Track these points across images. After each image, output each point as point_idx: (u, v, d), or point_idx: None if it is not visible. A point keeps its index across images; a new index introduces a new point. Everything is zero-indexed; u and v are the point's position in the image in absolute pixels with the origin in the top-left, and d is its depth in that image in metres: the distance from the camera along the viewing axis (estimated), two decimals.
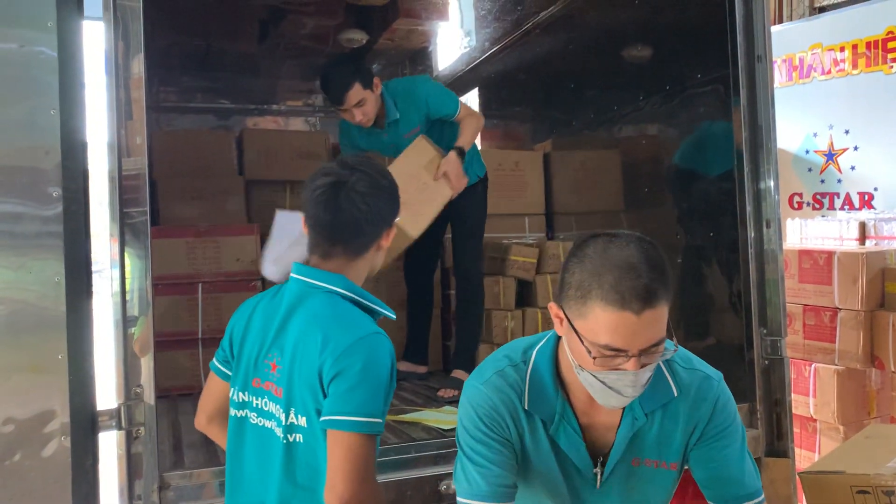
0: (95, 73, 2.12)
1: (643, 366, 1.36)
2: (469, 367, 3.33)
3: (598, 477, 1.54)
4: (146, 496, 2.04)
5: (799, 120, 5.37)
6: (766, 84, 2.83)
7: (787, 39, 5.28)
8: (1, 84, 1.95)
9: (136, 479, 2.03)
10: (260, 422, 1.66)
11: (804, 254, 4.05)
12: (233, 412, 1.73)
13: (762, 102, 2.82)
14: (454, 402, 3.06)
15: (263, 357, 1.66)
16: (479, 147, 5.48)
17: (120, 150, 2.07)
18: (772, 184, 2.81)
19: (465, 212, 3.47)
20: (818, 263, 3.95)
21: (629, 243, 1.38)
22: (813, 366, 3.91)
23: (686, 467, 1.58)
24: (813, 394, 3.89)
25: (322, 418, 1.51)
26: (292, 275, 1.70)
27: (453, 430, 2.55)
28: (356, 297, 1.65)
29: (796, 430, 3.19)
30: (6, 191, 1.95)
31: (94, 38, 2.12)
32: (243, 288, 3.68)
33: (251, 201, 4.14)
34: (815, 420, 3.91)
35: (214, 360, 1.84)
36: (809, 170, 5.44)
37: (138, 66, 2.12)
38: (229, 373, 1.78)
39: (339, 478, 1.48)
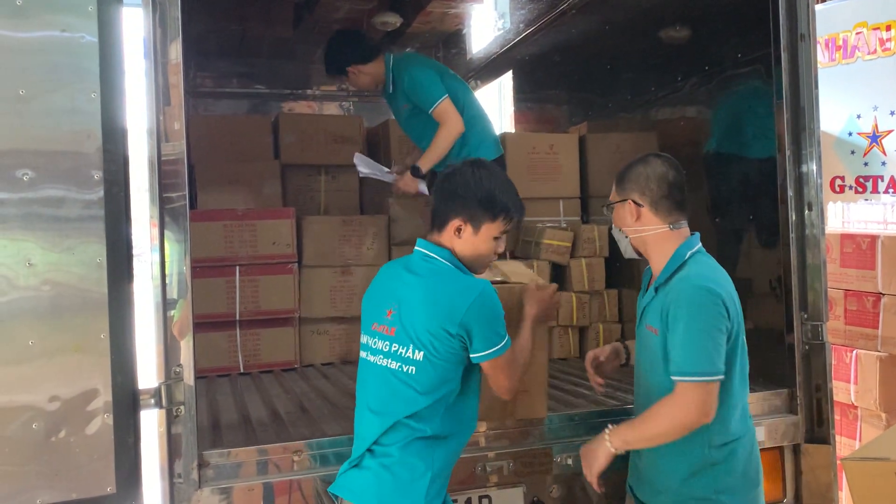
0: (132, 59, 2.14)
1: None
2: None
3: (638, 325, 2.20)
4: (186, 474, 2.08)
5: (842, 101, 5.23)
6: (809, 64, 2.76)
7: (830, 18, 5.15)
8: (44, 69, 1.98)
9: (176, 457, 2.07)
10: (375, 359, 2.05)
11: (846, 238, 3.97)
12: (361, 354, 2.14)
13: (805, 83, 2.76)
14: None
15: (384, 306, 2.05)
16: (514, 130, 5.47)
17: (159, 136, 2.10)
18: (814, 167, 2.75)
19: None
20: (861, 248, 3.86)
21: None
22: (854, 352, 3.83)
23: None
24: (854, 380, 3.81)
25: (478, 354, 1.96)
26: (416, 248, 2.10)
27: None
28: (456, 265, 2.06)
29: (836, 417, 3.13)
30: (50, 175, 1.98)
31: (133, 24, 2.15)
32: (279, 271, 3.72)
33: (287, 185, 4.17)
34: (856, 407, 3.84)
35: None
36: (852, 152, 5.31)
37: (176, 51, 2.14)
38: None
39: (507, 384, 2.03)
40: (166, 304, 2.10)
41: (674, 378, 1.96)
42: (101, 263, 1.96)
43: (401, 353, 1.98)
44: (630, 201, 2.13)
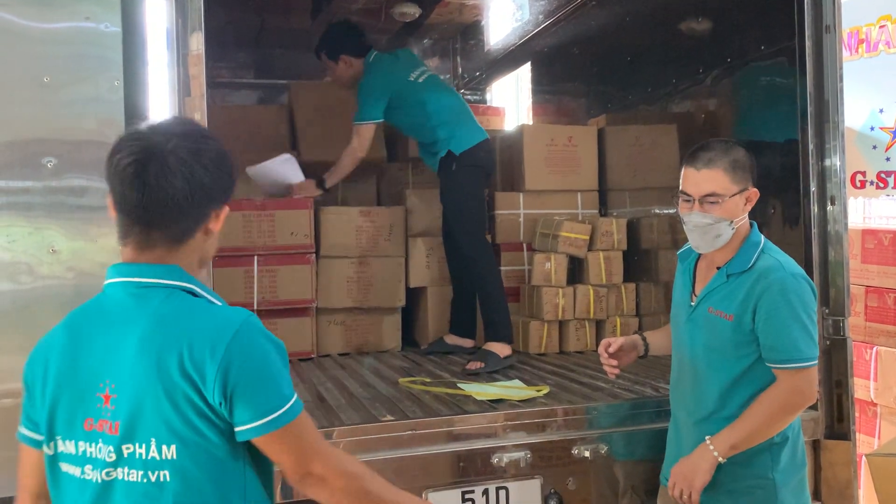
0: (155, 49, 2.15)
1: (701, 211, 2.05)
2: (494, 338, 3.37)
3: (690, 310, 2.17)
4: None
5: (864, 95, 5.17)
6: (833, 56, 2.73)
7: (853, 11, 5.07)
8: (68, 58, 2.00)
9: None
10: (95, 475, 1.33)
11: (868, 233, 3.93)
12: (63, 469, 1.37)
13: (829, 76, 2.73)
14: (479, 374, 3.08)
15: (91, 391, 1.33)
16: (530, 121, 5.45)
17: None
18: (837, 161, 2.73)
19: (443, 187, 3.62)
20: (883, 243, 3.82)
21: (723, 142, 2.15)
22: (875, 349, 3.80)
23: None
24: (874, 377, 3.78)
25: (243, 428, 1.31)
26: (108, 280, 1.39)
27: (500, 401, 2.57)
28: (199, 291, 1.39)
29: (856, 413, 3.11)
30: (73, 164, 2.00)
31: (155, 15, 2.16)
32: (297, 261, 3.73)
33: (304, 176, 4.17)
34: (875, 404, 3.80)
35: (22, 429, 1.43)
36: (874, 147, 5.25)
37: (197, 42, 2.15)
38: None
39: (308, 463, 1.37)
40: None
41: (778, 366, 2.00)
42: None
43: (141, 455, 1.31)
44: (753, 189, 2.09)
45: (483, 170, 3.62)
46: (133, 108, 2.05)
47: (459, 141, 3.54)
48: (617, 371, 2.32)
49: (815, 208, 2.74)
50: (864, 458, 3.02)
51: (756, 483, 2.05)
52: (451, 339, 3.74)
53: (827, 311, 2.68)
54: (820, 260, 2.73)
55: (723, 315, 2.07)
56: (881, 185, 5.16)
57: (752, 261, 2.06)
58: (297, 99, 4.58)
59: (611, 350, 2.29)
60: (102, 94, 2.02)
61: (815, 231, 2.74)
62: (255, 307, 3.67)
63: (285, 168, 3.81)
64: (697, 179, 2.06)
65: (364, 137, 3.59)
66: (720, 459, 2.01)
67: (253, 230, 3.69)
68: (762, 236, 2.13)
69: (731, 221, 2.06)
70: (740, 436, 2.00)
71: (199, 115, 2.14)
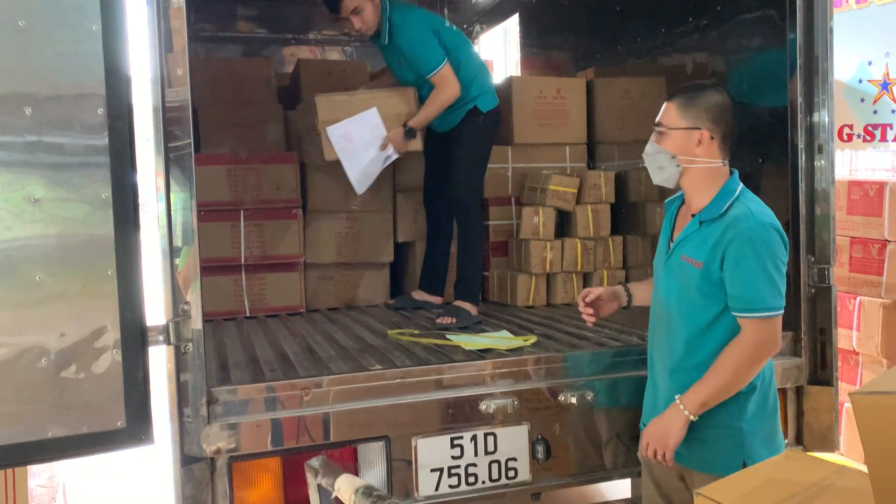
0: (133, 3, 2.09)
1: (652, 140, 2.14)
2: (464, 296, 3.39)
3: (666, 257, 2.18)
4: (195, 409, 2.10)
5: (853, 47, 5.14)
6: (824, 8, 2.70)
7: None
8: (47, 14, 1.93)
9: (184, 393, 2.09)
10: None
11: (854, 185, 3.94)
12: None
13: (820, 28, 2.70)
14: (450, 329, 3.09)
15: None
16: (519, 74, 5.39)
17: (162, 83, 2.06)
18: (826, 114, 2.72)
19: (459, 139, 3.50)
20: (868, 195, 3.84)
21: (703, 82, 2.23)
22: (858, 299, 3.84)
23: None
24: (857, 327, 3.83)
25: None
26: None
27: (488, 351, 2.59)
28: None
29: (838, 363, 3.15)
30: (52, 113, 1.95)
31: None
32: (284, 216, 3.71)
33: (290, 130, 4.13)
34: (857, 353, 3.86)
35: None
36: (862, 100, 5.24)
37: None
38: None
39: None
40: (173, 252, 2.09)
41: (742, 315, 1.99)
42: (106, 200, 1.95)
43: None
44: (704, 131, 2.06)
45: (498, 133, 3.64)
46: (113, 60, 1.99)
47: (487, 99, 3.51)
48: (594, 320, 2.36)
49: (802, 161, 2.74)
50: (844, 406, 3.08)
51: (723, 432, 2.05)
52: (420, 296, 3.73)
53: (812, 259, 2.70)
54: (806, 211, 2.73)
55: (693, 262, 2.06)
56: (868, 137, 5.16)
57: (725, 208, 2.04)
58: (305, 73, 4.48)
59: (588, 300, 2.34)
60: (82, 49, 1.96)
61: (802, 183, 2.74)
62: (243, 262, 3.66)
63: (373, 121, 3.52)
64: (661, 110, 2.14)
65: (448, 80, 3.36)
66: (692, 418, 2.02)
67: (238, 185, 3.66)
68: (740, 185, 2.11)
69: (675, 157, 2.08)
70: (709, 392, 2.01)
71: (182, 71, 2.10)
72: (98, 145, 1.95)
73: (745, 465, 2.01)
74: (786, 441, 2.64)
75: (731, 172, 2.13)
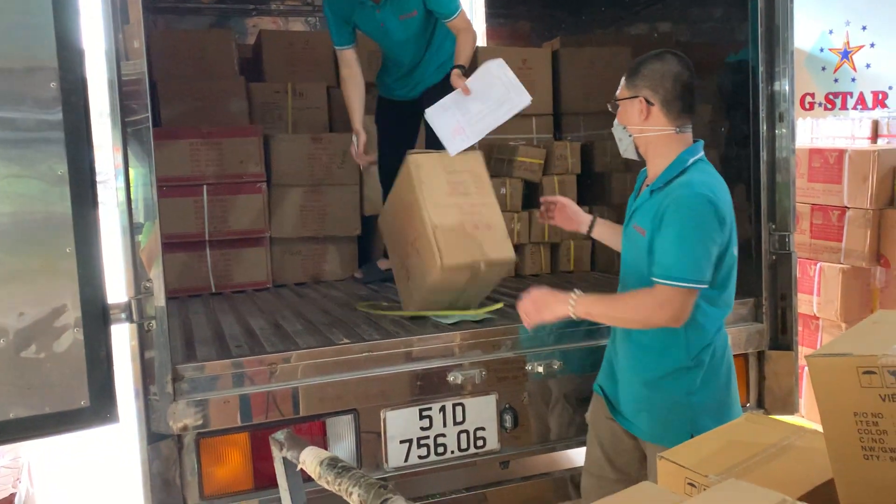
0: None
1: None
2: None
3: (625, 225, 2.19)
4: (160, 387, 2.08)
5: (815, 16, 5.19)
6: None
7: None
8: None
9: (149, 370, 2.07)
10: None
11: (815, 152, 4.00)
12: None
13: None
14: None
15: None
16: (485, 44, 5.35)
17: (118, 55, 2.01)
18: (787, 83, 2.75)
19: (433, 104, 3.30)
20: (829, 162, 3.90)
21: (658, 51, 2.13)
22: (818, 265, 3.92)
23: None
24: (817, 292, 3.92)
25: None
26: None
27: (457, 323, 2.60)
28: None
29: (799, 328, 3.23)
30: (4, 95, 1.89)
31: None
32: (248, 190, 3.66)
33: (253, 103, 4.07)
34: (817, 318, 3.95)
35: None
36: (823, 69, 5.31)
37: None
38: None
39: None
40: (133, 229, 2.05)
41: (655, 279, 1.96)
42: (62, 176, 1.91)
43: None
44: (641, 98, 2.05)
45: None
46: (65, 32, 1.93)
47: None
48: (545, 221, 2.49)
49: (763, 129, 2.77)
50: (804, 370, 3.15)
51: (670, 405, 2.07)
52: (385, 264, 3.68)
53: (773, 227, 2.74)
54: (767, 179, 2.77)
55: (640, 231, 2.07)
56: (829, 106, 5.24)
57: (672, 178, 2.03)
58: (267, 44, 4.38)
59: (550, 199, 2.47)
60: (30, 11, 1.90)
61: (763, 152, 2.77)
62: (207, 238, 3.62)
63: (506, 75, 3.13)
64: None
65: (469, 23, 3.24)
66: (572, 315, 2.05)
67: (201, 159, 3.60)
68: (697, 156, 2.08)
69: (625, 128, 2.12)
70: (600, 311, 2.09)
71: (139, 43, 2.05)
72: (52, 120, 1.90)
73: (692, 437, 2.00)
74: (747, 404, 2.71)
75: (695, 142, 2.12)
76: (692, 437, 2.01)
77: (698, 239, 1.94)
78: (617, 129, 2.16)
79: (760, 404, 2.73)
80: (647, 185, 2.12)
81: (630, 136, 2.11)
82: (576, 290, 2.08)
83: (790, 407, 2.75)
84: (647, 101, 2.04)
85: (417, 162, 2.60)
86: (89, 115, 1.94)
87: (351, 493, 1.09)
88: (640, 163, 2.19)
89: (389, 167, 3.63)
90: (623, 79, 2.12)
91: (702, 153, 2.11)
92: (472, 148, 2.81)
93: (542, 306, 2.12)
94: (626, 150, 2.16)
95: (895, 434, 1.36)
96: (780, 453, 1.73)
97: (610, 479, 2.22)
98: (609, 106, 2.16)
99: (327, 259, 3.90)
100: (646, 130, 2.08)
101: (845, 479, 1.45)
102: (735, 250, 2.09)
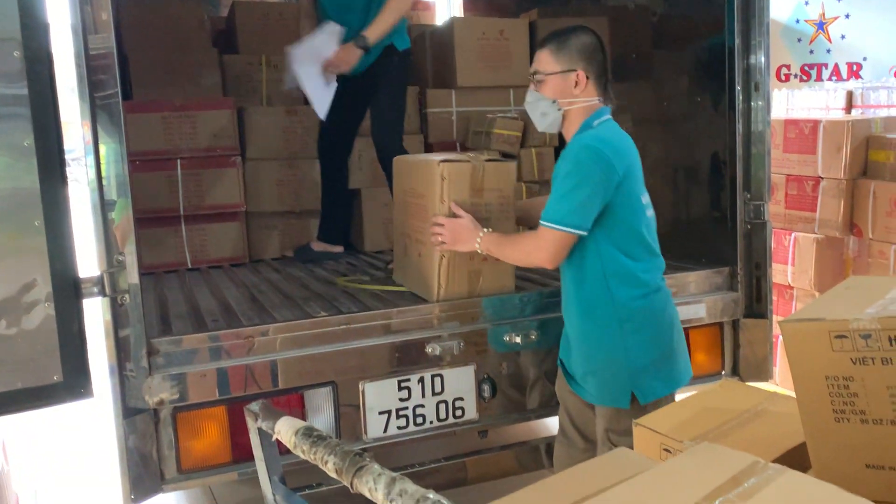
0: None
1: (532, 89, 2.19)
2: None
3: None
4: (135, 361, 2.06)
5: None
6: None
7: None
8: None
9: (123, 345, 2.05)
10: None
11: (790, 123, 4.02)
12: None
13: None
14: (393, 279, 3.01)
15: None
16: (461, 15, 5.31)
17: (85, 28, 1.95)
18: (763, 57, 2.74)
19: (377, 82, 3.32)
20: (804, 133, 3.93)
21: (571, 26, 2.21)
22: (793, 235, 3.96)
23: None
24: (792, 262, 3.96)
25: None
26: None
27: None
28: None
29: (774, 297, 3.26)
30: None
31: None
32: (222, 164, 3.62)
33: (226, 75, 4.00)
34: (792, 288, 4.00)
35: None
36: (799, 40, 5.32)
37: None
38: None
39: None
40: (105, 205, 2.02)
41: (540, 221, 2.09)
42: (29, 148, 1.86)
43: None
44: (580, 71, 2.12)
45: (411, 76, 3.50)
46: (28, 3, 1.87)
47: (402, 37, 3.37)
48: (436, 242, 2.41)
49: (739, 100, 2.78)
50: (779, 340, 3.19)
51: (609, 366, 2.12)
52: (320, 246, 3.65)
53: (748, 196, 2.76)
54: (742, 149, 2.78)
55: None
56: (804, 77, 5.27)
57: (571, 141, 2.13)
58: (241, 16, 4.29)
59: (434, 219, 2.42)
60: None
61: (738, 122, 2.78)
62: (182, 213, 3.57)
63: (332, 39, 3.16)
64: (534, 59, 2.19)
65: None
66: (478, 249, 2.27)
67: (173, 133, 3.55)
68: (602, 118, 2.15)
69: (555, 101, 2.13)
70: (496, 247, 2.25)
71: (106, 15, 1.99)
72: (17, 94, 1.85)
73: (633, 397, 2.10)
74: (722, 372, 2.74)
75: (603, 110, 2.18)
76: (634, 396, 2.07)
77: (577, 185, 2.04)
78: (542, 104, 2.17)
79: (735, 372, 2.77)
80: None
81: (559, 109, 2.14)
82: (486, 228, 2.27)
83: (765, 374, 2.79)
84: (585, 74, 2.12)
85: (447, 173, 2.38)
86: (55, 86, 1.89)
87: (326, 462, 1.09)
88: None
89: (328, 144, 3.59)
90: (545, 53, 2.15)
91: (607, 115, 2.18)
92: (508, 158, 2.75)
93: (457, 237, 2.30)
94: (552, 125, 2.20)
95: (865, 396, 1.39)
96: (754, 418, 1.75)
97: (579, 447, 2.29)
98: (533, 80, 2.18)
99: (305, 234, 3.87)
100: (576, 103, 2.14)
101: (817, 441, 1.47)
102: (650, 211, 2.18)
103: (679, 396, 1.99)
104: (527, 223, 2.52)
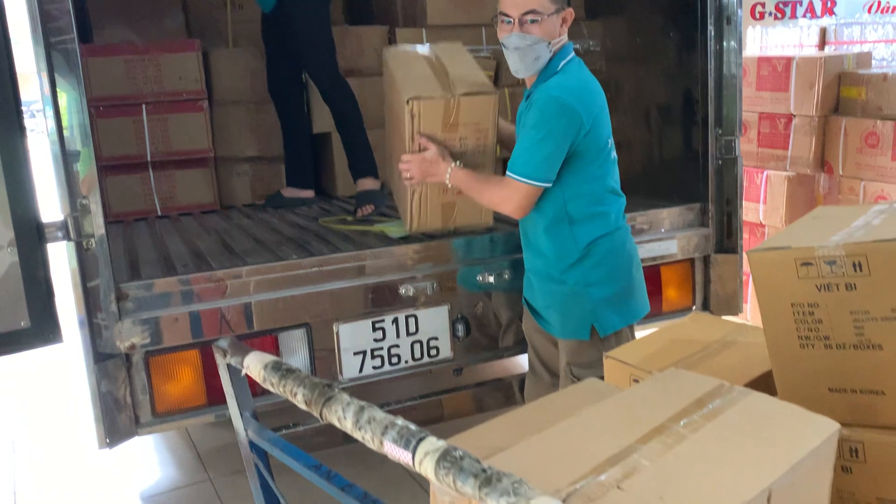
0: None
1: (521, 32, 2.03)
2: (364, 173, 3.23)
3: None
4: (105, 306, 2.04)
5: None
6: None
7: None
8: None
9: (92, 289, 2.02)
10: None
11: (763, 60, 4.00)
12: None
13: None
14: (372, 218, 3.00)
15: None
16: None
17: None
18: None
19: (292, 19, 3.18)
20: (776, 70, 3.91)
21: None
22: (765, 173, 3.98)
23: None
24: (763, 200, 3.99)
25: None
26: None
27: (404, 238, 2.57)
28: None
29: (745, 235, 3.29)
30: None
31: None
32: (189, 108, 3.54)
33: (190, 17, 3.88)
34: (764, 226, 4.04)
35: None
36: None
37: None
38: None
39: None
40: (67, 150, 1.96)
41: (507, 172, 2.10)
42: None
43: None
44: (570, 9, 2.10)
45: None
46: None
47: None
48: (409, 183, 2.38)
49: (712, 35, 2.75)
50: (750, 277, 3.23)
51: (570, 299, 2.17)
52: (290, 192, 3.59)
53: (720, 132, 2.75)
54: (715, 86, 2.76)
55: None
56: (779, 15, 5.23)
57: (543, 82, 2.09)
58: None
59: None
60: None
61: (711, 58, 2.76)
62: (149, 159, 3.50)
63: None
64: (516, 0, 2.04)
65: None
66: (447, 182, 2.25)
67: (138, 76, 3.45)
68: (569, 58, 2.13)
69: (549, 42, 2.06)
70: (466, 186, 2.23)
71: None
72: None
73: (593, 329, 2.15)
74: (693, 307, 2.78)
75: (567, 46, 2.15)
76: (594, 329, 2.12)
77: (544, 138, 2.03)
78: (538, 47, 2.05)
79: (706, 307, 2.80)
80: (526, 93, 2.17)
81: (551, 51, 2.09)
82: (456, 161, 2.24)
83: (735, 309, 2.83)
84: (572, 11, 2.11)
85: (417, 110, 2.28)
86: (8, 33, 1.82)
87: (296, 394, 1.09)
88: None
89: (276, 87, 3.50)
90: None
91: (571, 54, 2.15)
92: (485, 92, 2.39)
93: (425, 171, 2.26)
94: (540, 67, 2.10)
95: (830, 322, 1.41)
96: (723, 349, 1.78)
97: (546, 382, 2.36)
98: (521, 21, 2.03)
99: (277, 180, 3.82)
100: (560, 42, 2.11)
101: (782, 367, 1.50)
102: (614, 153, 2.19)
103: (649, 331, 2.02)
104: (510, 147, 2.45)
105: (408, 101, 2.30)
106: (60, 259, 2.01)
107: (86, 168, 1.99)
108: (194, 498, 2.92)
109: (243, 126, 3.69)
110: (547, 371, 2.35)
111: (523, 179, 2.07)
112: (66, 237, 1.94)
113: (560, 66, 2.10)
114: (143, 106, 3.46)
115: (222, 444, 3.20)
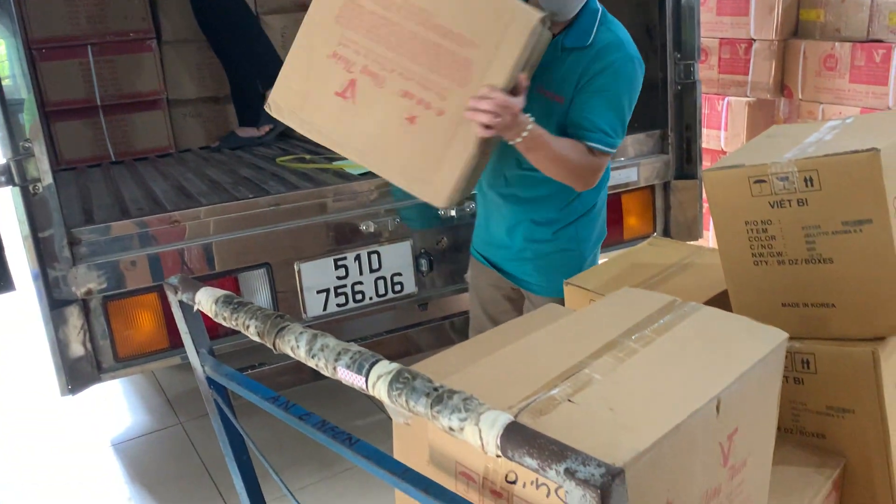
0: None
1: None
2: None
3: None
4: (58, 251, 1.99)
5: None
6: None
7: None
8: None
9: (42, 235, 1.97)
10: None
11: None
12: None
13: None
14: (330, 156, 2.87)
15: None
16: None
17: None
18: None
19: None
20: None
21: None
22: (726, 99, 3.98)
23: None
24: (725, 127, 4.00)
25: None
26: None
27: (365, 174, 2.53)
28: None
29: (706, 163, 3.31)
30: None
31: None
32: (137, 49, 3.42)
33: None
34: (725, 152, 4.06)
35: None
36: None
37: None
38: None
39: None
40: (6, 100, 1.87)
41: (594, 145, 1.82)
42: None
43: None
44: None
45: None
46: None
47: None
48: None
49: None
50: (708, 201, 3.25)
51: (568, 256, 2.04)
52: (244, 132, 3.52)
53: (679, 56, 2.73)
54: (673, 12, 2.72)
55: (553, 97, 1.85)
56: None
57: (592, 35, 1.83)
58: None
59: None
60: None
61: None
62: (99, 103, 3.39)
63: None
64: None
65: None
66: (517, 144, 1.69)
67: (80, 16, 3.31)
68: (598, 3, 1.91)
69: None
70: (545, 146, 1.74)
71: None
72: None
73: None
74: (653, 233, 2.80)
75: None
76: None
77: (629, 105, 1.87)
78: None
79: (666, 233, 2.83)
80: (562, 44, 1.85)
81: None
82: (533, 120, 1.68)
83: (695, 234, 2.86)
84: None
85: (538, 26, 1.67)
86: None
87: (248, 326, 1.07)
88: None
89: (203, 21, 3.42)
90: None
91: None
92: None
93: (509, 122, 1.64)
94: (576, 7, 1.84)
95: (782, 238, 1.42)
96: (681, 271, 1.80)
97: None
98: None
99: (232, 121, 3.73)
100: None
101: (736, 285, 1.52)
102: None
103: (611, 255, 2.02)
104: None
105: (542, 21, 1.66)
106: (8, 207, 1.95)
107: (28, 113, 1.91)
108: (166, 442, 2.93)
109: (194, 65, 3.59)
110: (493, 326, 2.22)
111: (608, 149, 1.84)
112: (11, 182, 1.88)
113: (600, 10, 1.87)
114: (89, 47, 3.33)
115: (191, 387, 3.20)
